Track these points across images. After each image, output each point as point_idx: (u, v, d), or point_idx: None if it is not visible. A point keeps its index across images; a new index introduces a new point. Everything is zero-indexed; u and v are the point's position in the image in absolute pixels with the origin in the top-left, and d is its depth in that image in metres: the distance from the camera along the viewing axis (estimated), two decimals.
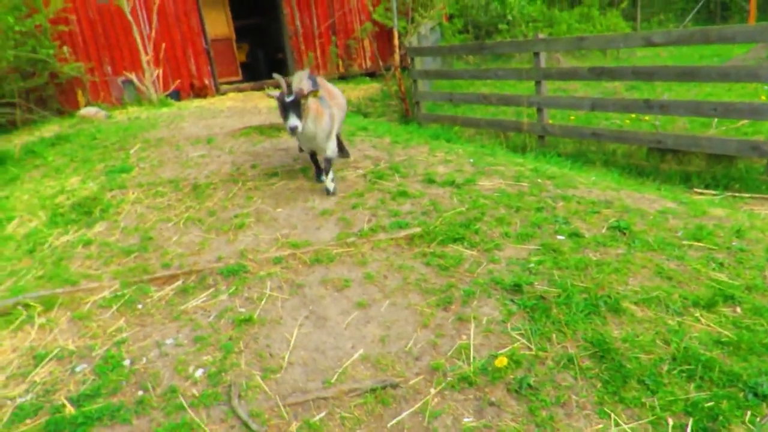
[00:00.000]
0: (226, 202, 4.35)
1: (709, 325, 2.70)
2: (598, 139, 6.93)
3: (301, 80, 3.99)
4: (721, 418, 2.21)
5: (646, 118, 7.75)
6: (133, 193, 4.64)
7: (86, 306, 3.28)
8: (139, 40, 10.84)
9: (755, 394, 2.31)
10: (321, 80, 4.57)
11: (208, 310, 3.12)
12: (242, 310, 3.08)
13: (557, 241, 3.45)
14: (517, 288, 3.00)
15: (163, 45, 11.68)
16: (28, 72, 10.34)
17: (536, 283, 3.02)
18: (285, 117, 3.81)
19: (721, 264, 3.20)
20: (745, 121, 6.94)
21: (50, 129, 8.84)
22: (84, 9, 11.14)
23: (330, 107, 4.26)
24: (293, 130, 3.80)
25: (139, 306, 3.25)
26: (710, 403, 2.27)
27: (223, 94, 12.96)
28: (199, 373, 2.66)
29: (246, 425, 2.33)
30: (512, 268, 3.19)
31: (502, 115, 8.59)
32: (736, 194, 5.48)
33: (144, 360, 2.78)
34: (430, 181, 4.39)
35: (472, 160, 4.89)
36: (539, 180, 4.41)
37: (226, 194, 4.48)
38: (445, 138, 6.51)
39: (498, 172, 4.56)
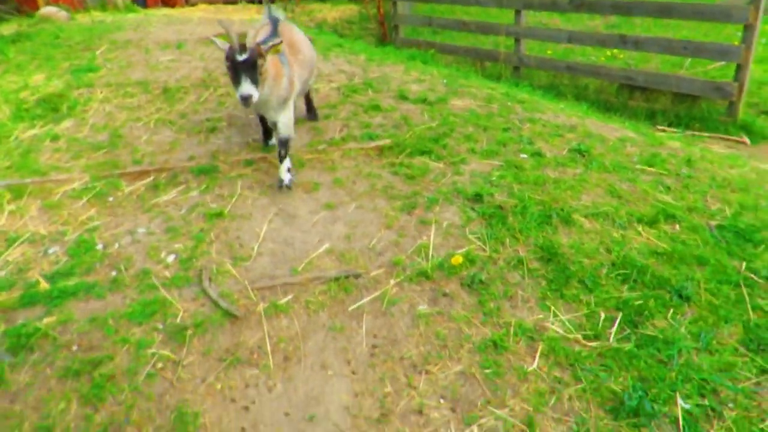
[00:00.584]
0: (198, 105, 4.33)
1: (648, 239, 2.94)
2: (573, 73, 7.01)
3: (258, 31, 3.08)
4: (646, 313, 2.47)
5: (621, 56, 7.84)
6: (101, 93, 4.56)
7: (56, 196, 3.32)
8: None
9: (680, 296, 2.58)
10: (285, 24, 3.51)
11: (179, 205, 3.21)
12: (213, 205, 3.18)
13: (520, 159, 3.61)
14: (477, 197, 3.16)
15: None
16: None
17: (496, 195, 3.19)
18: (235, 81, 2.79)
19: (669, 188, 3.42)
20: (715, 65, 7.10)
21: (8, 27, 8.39)
22: None
23: (291, 65, 3.19)
24: (246, 100, 2.77)
25: (110, 199, 3.31)
26: (639, 302, 2.53)
27: (193, 5, 12.39)
28: (170, 258, 2.78)
29: (216, 304, 2.48)
30: (475, 181, 3.35)
31: (480, 44, 8.53)
32: (696, 133, 5.72)
33: (117, 245, 2.88)
34: (403, 97, 4.44)
35: (445, 81, 4.94)
36: (509, 103, 4.52)
37: (197, 98, 4.45)
38: (422, 60, 6.50)
39: (470, 94, 4.64)
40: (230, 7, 11.93)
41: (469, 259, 2.73)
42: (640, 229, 3.01)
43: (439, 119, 4.07)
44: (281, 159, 3.29)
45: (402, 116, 4.10)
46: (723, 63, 7.10)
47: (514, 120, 4.15)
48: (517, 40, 7.42)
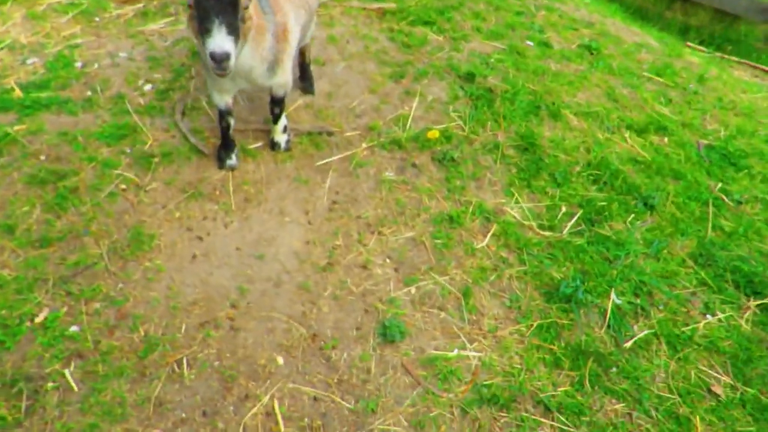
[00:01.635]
0: None
1: (632, 146, 2.89)
2: None
3: None
4: (606, 214, 2.49)
5: None
6: None
7: (41, 7, 3.20)
8: None
9: (645, 204, 2.59)
10: None
11: (165, 36, 3.10)
12: None
13: (525, 46, 3.44)
14: (470, 77, 3.06)
15: None
16: None
17: (490, 77, 3.08)
18: (202, 29, 1.78)
19: (670, 100, 3.30)
20: None
21: None
22: None
23: (279, 10, 2.12)
24: (220, 62, 1.76)
25: (96, 19, 3.19)
26: (603, 203, 2.54)
27: None
28: (148, 87, 2.74)
29: (185, 138, 2.49)
30: (472, 60, 3.22)
31: None
32: (726, 56, 5.41)
33: (96, 66, 2.83)
34: None
35: None
36: None
37: None
38: None
39: None
40: None
41: (446, 136, 2.70)
42: (627, 135, 2.95)
43: None
44: (276, 119, 2.42)
45: None
46: None
47: (529, 4, 3.90)
48: None
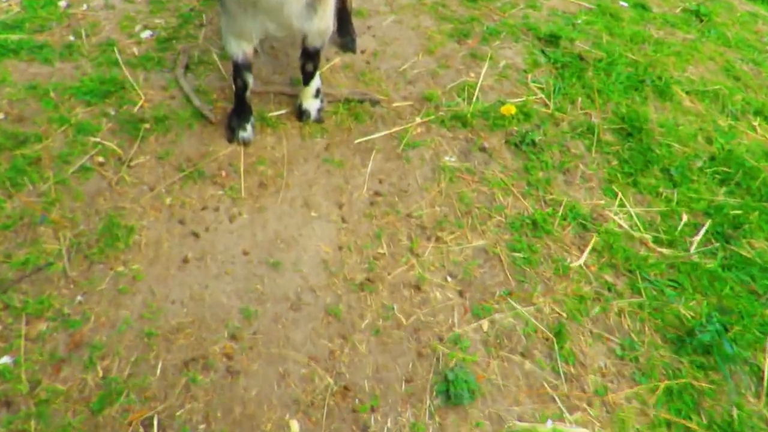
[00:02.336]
0: None
1: (764, 136, 2.21)
2: None
3: None
4: (745, 227, 1.83)
5: None
6: None
7: None
8: None
9: None
10: None
11: None
12: None
13: (619, 7, 2.75)
14: (553, 40, 2.40)
15: None
16: None
17: (578, 41, 2.42)
18: None
19: None
20: None
21: None
22: None
23: None
24: None
25: None
26: (738, 212, 1.88)
27: None
28: (146, 34, 2.15)
29: (188, 99, 1.90)
30: (554, 20, 2.55)
31: None
32: None
33: (85, 6, 2.26)
34: None
35: None
36: None
37: None
38: None
39: None
40: None
41: (524, 113, 2.06)
42: (756, 123, 2.27)
43: None
44: (307, 79, 1.83)
45: None
46: None
47: None
48: None
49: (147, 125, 1.81)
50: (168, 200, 1.65)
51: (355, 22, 2.34)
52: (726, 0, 3.14)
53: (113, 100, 1.87)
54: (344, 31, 2.21)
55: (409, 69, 2.18)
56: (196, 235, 1.59)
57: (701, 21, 2.83)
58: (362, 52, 2.21)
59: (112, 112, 1.84)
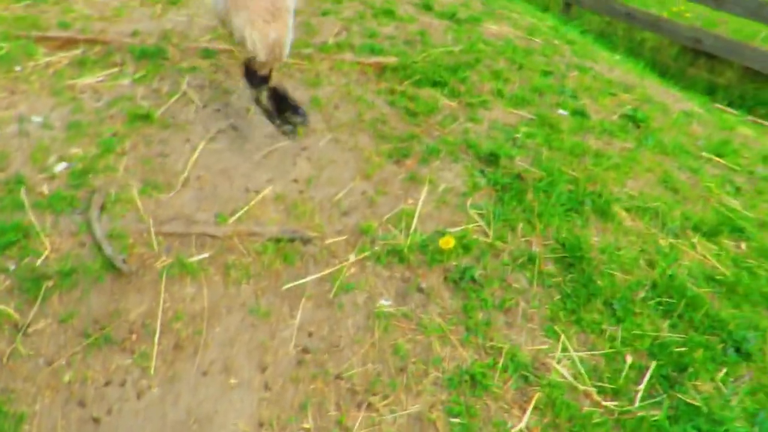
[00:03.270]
0: None
1: (705, 256, 2.20)
2: (631, 22, 5.95)
3: None
4: (690, 369, 1.77)
5: (687, 15, 6.73)
6: None
7: None
8: None
9: (737, 350, 1.87)
10: None
11: (99, 93, 2.40)
12: (144, 103, 2.38)
13: (557, 115, 2.77)
14: (493, 158, 2.37)
15: None
16: None
17: (518, 159, 2.40)
18: None
19: (738, 189, 2.63)
20: None
21: None
22: None
23: None
24: None
25: (17, 68, 2.50)
26: (682, 348, 1.82)
27: None
28: (60, 167, 2.02)
29: (98, 247, 1.76)
30: (494, 135, 2.54)
31: None
32: (759, 121, 4.81)
33: None
34: (427, 7, 3.51)
35: None
36: (556, 41, 3.59)
37: None
38: None
39: (510, 19, 3.70)
40: None
41: (464, 245, 1.99)
42: (695, 240, 2.26)
43: (465, 43, 3.17)
44: None
45: (419, 31, 3.20)
46: None
47: (558, 63, 3.26)
48: None
49: (50, 282, 1.65)
50: (67, 376, 1.48)
51: (291, 141, 2.27)
52: (661, 102, 3.22)
53: (14, 252, 1.72)
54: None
55: (345, 198, 2.10)
56: (96, 420, 1.41)
57: (638, 127, 2.87)
58: (295, 181, 2.13)
59: (12, 267, 1.68)
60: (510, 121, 2.66)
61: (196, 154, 2.15)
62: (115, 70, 2.56)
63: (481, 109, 2.69)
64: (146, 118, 2.28)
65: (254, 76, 2.03)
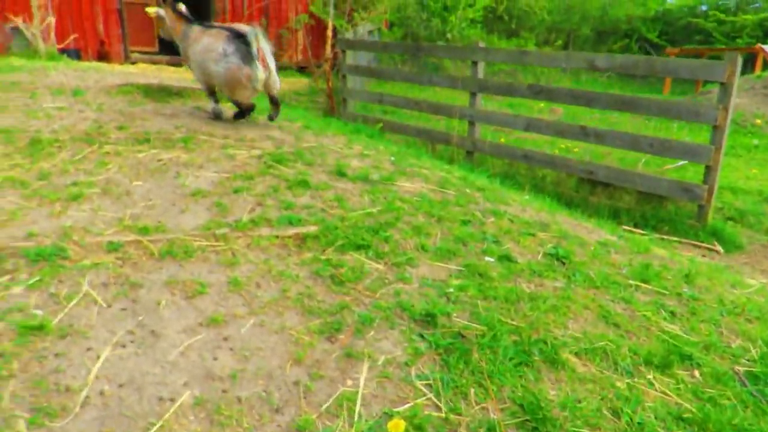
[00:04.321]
0: (69, 165, 3.31)
1: (665, 393, 2.09)
2: (529, 163, 6.48)
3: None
4: None
5: (575, 150, 7.49)
6: None
7: None
8: None
9: None
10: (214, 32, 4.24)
11: None
12: (37, 312, 2.10)
13: (485, 263, 2.76)
14: (429, 319, 2.25)
15: None
16: None
17: (455, 315, 2.29)
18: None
19: (673, 313, 2.64)
20: (672, 165, 6.78)
21: None
22: None
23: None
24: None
25: None
26: None
27: (133, 63, 11.59)
28: None
29: None
30: (426, 292, 2.45)
31: (433, 125, 8.00)
32: (665, 237, 5.15)
33: None
34: (340, 173, 3.59)
35: (393, 158, 4.16)
36: (467, 190, 3.75)
37: (72, 155, 3.43)
38: (367, 134, 5.77)
39: (421, 175, 3.86)
40: (172, 69, 11.19)
41: (415, 424, 1.77)
42: (650, 376, 2.17)
43: (382, 203, 3.21)
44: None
45: (336, 197, 3.22)
46: (681, 164, 6.82)
47: (474, 211, 3.35)
48: (471, 124, 6.89)
49: None
50: None
51: (209, 332, 2.05)
52: (576, 235, 3.34)
53: None
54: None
55: (276, 390, 1.85)
56: None
57: (563, 264, 2.91)
58: (217, 379, 1.87)
59: None
60: (439, 276, 2.60)
61: (98, 365, 1.87)
62: (6, 278, 2.30)
63: (409, 267, 2.63)
64: (41, 329, 2.00)
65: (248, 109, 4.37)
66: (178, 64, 11.49)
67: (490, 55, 6.90)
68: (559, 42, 18.69)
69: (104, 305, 2.18)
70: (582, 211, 5.75)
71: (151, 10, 4.49)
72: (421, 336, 2.17)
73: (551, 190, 6.31)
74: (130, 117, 4.17)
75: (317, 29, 13.13)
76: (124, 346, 1.98)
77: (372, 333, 2.15)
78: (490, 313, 2.33)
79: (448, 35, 15.40)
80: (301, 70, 13.19)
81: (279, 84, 4.29)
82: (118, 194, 3.02)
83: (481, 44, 6.89)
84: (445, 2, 15.46)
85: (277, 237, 2.74)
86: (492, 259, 2.81)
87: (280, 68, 12.66)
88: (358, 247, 2.72)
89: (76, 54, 10.98)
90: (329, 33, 11.08)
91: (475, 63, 6.77)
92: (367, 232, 2.84)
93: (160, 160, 3.47)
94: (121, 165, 3.36)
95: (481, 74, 6.79)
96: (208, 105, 4.49)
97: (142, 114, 4.27)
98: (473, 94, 6.86)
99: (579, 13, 19.54)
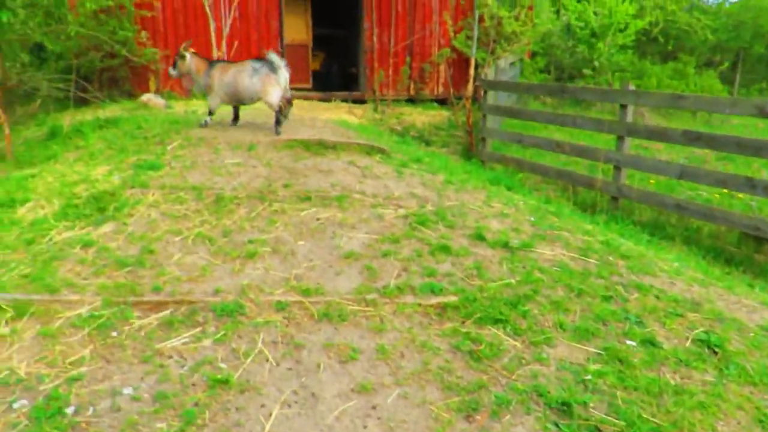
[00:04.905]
0: (246, 222, 3.86)
1: None
2: (682, 213, 6.06)
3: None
4: None
5: (740, 195, 6.80)
6: (153, 195, 4.24)
7: (58, 322, 2.84)
8: (213, 35, 10.78)
9: None
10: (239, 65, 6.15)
11: (184, 357, 2.60)
12: (223, 365, 2.54)
13: (626, 347, 2.73)
14: (565, 408, 2.31)
15: (236, 43, 11.59)
16: (106, 52, 10.39)
17: (592, 406, 2.32)
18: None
19: None
20: None
21: (111, 110, 8.78)
22: None
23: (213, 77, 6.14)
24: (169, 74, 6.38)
25: (114, 334, 2.77)
26: None
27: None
28: None
29: None
30: (563, 376, 2.50)
31: (574, 166, 7.81)
32: None
33: (90, 410, 2.28)
34: (480, 237, 3.74)
35: (532, 218, 4.21)
36: (610, 258, 3.68)
37: (248, 213, 4.00)
38: (506, 184, 5.84)
39: (561, 239, 3.87)
40: (323, 105, 12.17)
41: None
42: None
43: (521, 273, 3.30)
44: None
45: (475, 264, 3.38)
46: None
47: (617, 284, 3.30)
48: (617, 168, 6.63)
49: None
50: None
51: (359, 399, 2.31)
52: (733, 318, 3.13)
53: None
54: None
55: None
56: None
57: (715, 353, 2.76)
58: None
59: None
60: (577, 359, 2.63)
61: (270, 423, 2.22)
62: (198, 330, 2.80)
63: (545, 347, 2.70)
64: (225, 383, 2.42)
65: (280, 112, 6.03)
66: (327, 100, 12.47)
67: (641, 99, 6.62)
68: (726, 64, 17.03)
69: (274, 364, 2.56)
70: (744, 270, 5.27)
71: (174, 73, 6.36)
72: (557, 425, 2.23)
73: (707, 244, 5.84)
74: (294, 173, 4.73)
75: (458, 62, 13.41)
76: (290, 406, 2.32)
77: (508, 417, 2.27)
78: (630, 406, 2.32)
79: (596, 63, 14.83)
80: (441, 102, 13.56)
81: (289, 93, 6.22)
82: (284, 254, 3.47)
83: (631, 87, 6.63)
84: (593, 28, 14.95)
85: (419, 305, 2.97)
86: (634, 343, 2.76)
87: (420, 100, 13.19)
88: (496, 321, 2.85)
89: None
90: (471, 69, 11.31)
91: (623, 106, 6.52)
92: (506, 305, 2.96)
93: (318, 219, 3.91)
94: (287, 223, 3.84)
95: (629, 118, 6.53)
96: (206, 117, 6.36)
97: (304, 170, 4.81)
98: (621, 138, 6.60)
99: (751, 30, 17.66)
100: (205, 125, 6.21)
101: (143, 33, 10.80)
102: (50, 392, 2.37)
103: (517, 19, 12.90)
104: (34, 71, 9.86)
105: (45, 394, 2.36)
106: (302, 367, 2.54)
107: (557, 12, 16.76)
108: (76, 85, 9.87)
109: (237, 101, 6.28)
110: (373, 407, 2.32)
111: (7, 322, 2.85)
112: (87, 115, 8.54)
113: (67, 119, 8.00)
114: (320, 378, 2.48)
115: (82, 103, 10.14)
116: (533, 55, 14.90)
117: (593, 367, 2.56)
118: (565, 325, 2.86)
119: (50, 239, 3.70)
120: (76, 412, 2.27)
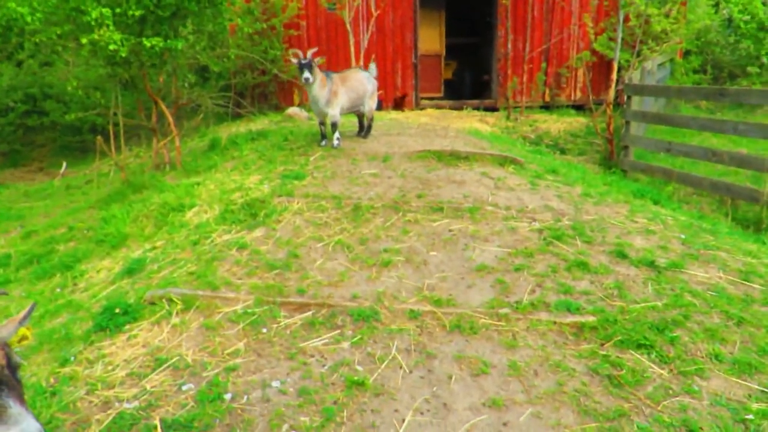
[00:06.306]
0: (381, 231, 4.02)
1: None
2: None
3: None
4: None
5: None
6: (298, 203, 4.58)
7: (218, 316, 3.20)
8: (352, 49, 11.35)
9: None
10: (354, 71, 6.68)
11: (325, 357, 2.79)
12: (359, 368, 2.68)
13: None
14: None
15: (373, 56, 12.06)
16: (258, 70, 11.44)
17: None
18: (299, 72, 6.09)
19: None
20: None
21: (261, 122, 9.63)
22: (314, 16, 12.05)
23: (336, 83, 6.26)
24: (306, 80, 6.07)
25: (264, 330, 3.05)
26: None
27: (422, 108, 13.03)
28: None
29: None
30: (718, 413, 2.28)
31: (733, 177, 7.01)
32: None
33: (245, 399, 2.54)
34: (621, 254, 3.53)
35: (683, 236, 3.88)
36: None
37: (383, 222, 4.16)
38: (652, 198, 5.42)
39: (718, 260, 3.51)
40: (455, 113, 12.22)
41: None
42: None
43: (668, 296, 3.06)
44: (333, 129, 6.28)
45: (616, 283, 3.20)
46: None
47: None
48: None
49: None
50: None
51: (491, 414, 2.31)
52: None
53: None
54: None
55: None
56: None
57: None
58: None
59: None
60: (736, 395, 2.38)
61: (403, 428, 2.30)
62: (337, 332, 2.98)
63: (697, 378, 2.48)
64: (362, 385, 2.56)
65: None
66: (459, 108, 12.49)
67: None
68: None
69: (407, 371, 2.65)
70: None
71: (310, 78, 6.11)
72: None
73: None
74: (426, 184, 4.83)
75: (598, 65, 12.69)
76: (422, 414, 2.39)
77: None
78: None
79: (764, 59, 13.19)
80: (578, 108, 12.92)
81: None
82: (417, 263, 3.57)
83: None
84: (761, 21, 13.31)
85: (554, 323, 2.89)
86: None
87: (556, 107, 12.69)
88: (639, 346, 2.67)
89: (377, 104, 12.91)
90: (613, 74, 10.67)
91: None
92: (651, 329, 2.77)
93: (450, 230, 3.96)
94: (420, 233, 3.94)
95: None
96: (335, 136, 6.30)
97: (437, 181, 4.90)
98: None
99: None
100: (339, 145, 6.17)
101: (290, 51, 11.69)
102: (212, 379, 2.68)
103: (667, 15, 11.92)
104: (199, 90, 11.15)
105: (207, 380, 2.67)
106: (434, 377, 2.60)
107: (716, 5, 15.20)
108: (233, 101, 10.98)
109: (354, 107, 6.47)
110: (504, 424, 2.30)
111: (177, 313, 3.26)
112: (241, 127, 9.44)
113: (225, 132, 8.93)
114: (452, 389, 2.52)
115: (236, 116, 11.26)
116: (686, 54, 13.64)
117: (756, 406, 2.30)
118: (722, 356, 2.60)
119: (212, 241, 4.16)
120: (232, 399, 2.54)
